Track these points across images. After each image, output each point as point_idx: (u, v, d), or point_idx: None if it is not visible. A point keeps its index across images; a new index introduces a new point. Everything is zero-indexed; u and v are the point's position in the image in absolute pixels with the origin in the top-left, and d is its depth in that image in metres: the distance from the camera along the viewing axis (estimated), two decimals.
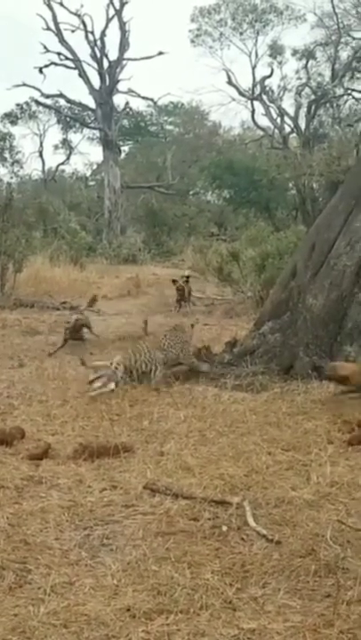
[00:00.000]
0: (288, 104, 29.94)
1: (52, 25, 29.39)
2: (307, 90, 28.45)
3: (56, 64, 29.89)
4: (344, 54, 28.03)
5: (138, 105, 41.23)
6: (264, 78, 28.49)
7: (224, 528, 4.16)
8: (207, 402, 6.92)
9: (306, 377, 7.74)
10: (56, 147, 39.74)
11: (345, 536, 4.04)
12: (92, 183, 39.46)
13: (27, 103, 34.91)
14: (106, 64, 29.64)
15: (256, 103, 28.93)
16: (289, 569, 3.64)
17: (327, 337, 8.31)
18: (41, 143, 39.33)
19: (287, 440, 5.85)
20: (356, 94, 28.57)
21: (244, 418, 6.41)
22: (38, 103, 33.58)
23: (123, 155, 35.25)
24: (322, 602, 3.33)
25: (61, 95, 31.26)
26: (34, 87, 30.33)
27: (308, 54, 27.90)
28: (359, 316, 8.39)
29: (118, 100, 32.08)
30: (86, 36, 29.59)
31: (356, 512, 4.47)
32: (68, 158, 39.69)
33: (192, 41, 30.35)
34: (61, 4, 29.29)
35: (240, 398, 7.10)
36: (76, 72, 29.84)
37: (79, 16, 29.46)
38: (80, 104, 32.48)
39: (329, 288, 8.37)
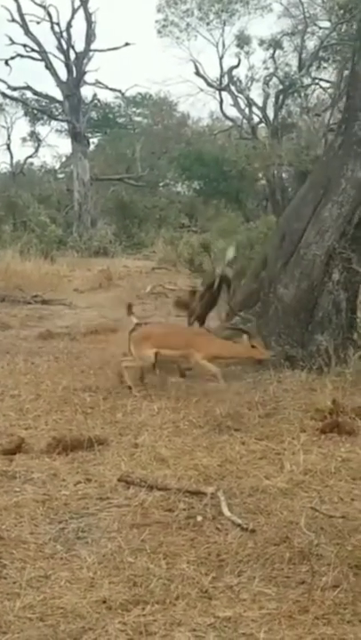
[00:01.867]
0: (256, 94, 29.96)
1: (16, 16, 29.05)
2: (274, 80, 28.45)
3: (22, 56, 29.55)
4: (311, 44, 28.11)
5: (106, 97, 41.06)
6: (231, 68, 28.43)
7: (199, 518, 4.18)
8: (180, 393, 6.93)
9: (278, 366, 7.77)
10: (24, 139, 39.41)
11: (319, 523, 4.08)
12: (61, 176, 39.20)
13: None
14: (72, 56, 29.42)
15: (224, 94, 28.90)
16: (264, 557, 3.67)
17: (298, 326, 8.35)
18: (8, 136, 39.02)
19: (260, 429, 5.88)
20: (323, 84, 28.68)
21: (217, 408, 6.43)
22: (5, 96, 33.21)
23: (92, 147, 35.03)
24: (296, 588, 3.36)
25: (28, 87, 30.95)
26: (0, 80, 30.03)
27: (274, 44, 27.88)
28: (330, 306, 8.44)
29: (86, 92, 31.89)
30: (52, 28, 29.32)
31: (329, 499, 4.52)
32: (36, 151, 39.41)
33: (159, 32, 30.21)
34: None
35: (213, 389, 7.12)
36: (43, 64, 29.59)
37: (44, 7, 29.19)
38: (47, 96, 32.21)
39: (299, 278, 8.41)
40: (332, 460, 5.17)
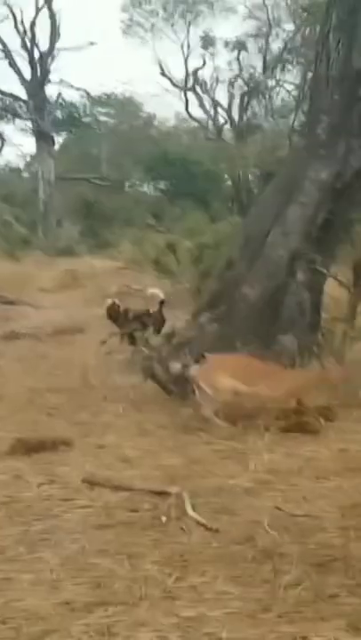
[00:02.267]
0: (221, 95, 30.08)
1: None
2: (239, 81, 28.62)
3: None
4: (275, 46, 28.31)
5: (71, 96, 40.86)
6: (196, 70, 28.57)
7: (163, 519, 4.18)
8: (145, 394, 6.92)
9: None
10: None
11: (282, 522, 4.10)
12: (25, 175, 38.97)
13: None
14: (37, 55, 29.28)
15: (189, 94, 29.01)
16: (227, 556, 3.68)
17: (263, 327, 8.38)
18: None
19: (225, 429, 5.90)
20: (287, 86, 28.87)
21: (183, 409, 6.44)
22: None
23: (57, 146, 34.85)
24: (260, 587, 3.38)
25: None
26: None
27: (239, 46, 28.05)
28: (294, 306, 8.50)
29: (51, 91, 31.76)
30: (16, 26, 29.20)
31: (293, 498, 4.54)
32: (0, 150, 39.13)
33: (124, 32, 30.22)
34: None
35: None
36: (7, 62, 29.43)
37: (8, 6, 29.03)
38: (11, 95, 32.02)
39: (264, 278, 8.44)
40: (296, 459, 5.21)
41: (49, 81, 30.04)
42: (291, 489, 4.69)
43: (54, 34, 29.32)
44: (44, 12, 29.14)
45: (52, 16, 29.07)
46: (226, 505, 4.40)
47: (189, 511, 4.24)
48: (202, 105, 28.77)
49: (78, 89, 32.45)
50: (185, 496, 4.42)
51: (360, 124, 8.31)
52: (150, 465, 5.09)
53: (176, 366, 6.83)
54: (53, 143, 32.13)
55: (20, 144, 42.71)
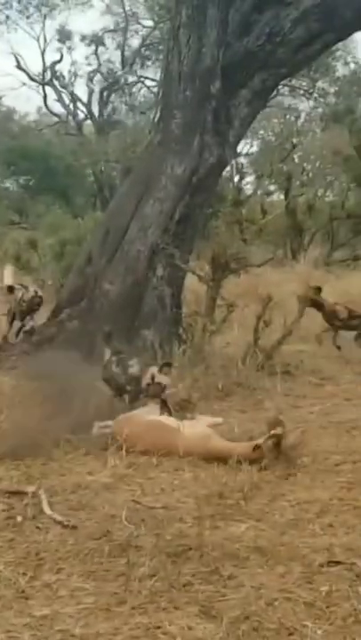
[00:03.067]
0: (81, 90, 29.87)
1: None
2: (98, 76, 28.54)
3: None
4: (135, 42, 28.41)
5: None
6: (54, 63, 28.22)
7: (19, 518, 4.12)
8: (2, 391, 6.79)
9: None
10: None
11: (140, 515, 4.13)
12: None
13: None
14: None
15: (48, 88, 28.62)
16: (83, 552, 3.67)
17: (125, 322, 8.43)
18: None
19: (86, 425, 5.86)
20: (148, 82, 29.02)
21: (42, 405, 6.35)
22: None
23: None
24: (115, 581, 3.39)
25: None
26: None
27: (97, 40, 27.96)
28: (154, 301, 8.59)
29: None
30: None
31: (151, 491, 4.59)
32: None
33: None
34: None
35: (38, 387, 7.01)
36: None
37: None
38: None
39: (124, 273, 8.49)
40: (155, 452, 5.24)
41: None
42: (149, 482, 4.74)
43: None
44: None
45: None
46: (84, 501, 4.39)
47: (46, 509, 4.21)
48: (60, 99, 28.47)
49: None
50: (42, 494, 4.38)
51: (213, 121, 8.50)
52: (7, 465, 5.01)
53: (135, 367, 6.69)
54: None
55: None
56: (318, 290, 8.82)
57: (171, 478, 4.82)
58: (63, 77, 28.46)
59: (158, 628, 3.01)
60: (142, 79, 28.99)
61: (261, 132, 27.39)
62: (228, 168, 10.20)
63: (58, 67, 28.57)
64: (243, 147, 26.28)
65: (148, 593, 3.26)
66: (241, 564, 3.55)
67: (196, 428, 5.44)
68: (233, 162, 10.19)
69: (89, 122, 28.98)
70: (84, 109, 28.89)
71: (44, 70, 28.54)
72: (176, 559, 3.59)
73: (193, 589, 3.32)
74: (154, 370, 6.20)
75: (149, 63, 27.81)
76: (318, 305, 8.78)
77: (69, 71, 29.06)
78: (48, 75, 28.33)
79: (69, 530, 3.96)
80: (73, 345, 8.42)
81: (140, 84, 29.54)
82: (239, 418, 6.22)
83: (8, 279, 9.72)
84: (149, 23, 27.54)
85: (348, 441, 5.58)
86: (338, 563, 3.54)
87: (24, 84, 30.11)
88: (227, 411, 6.56)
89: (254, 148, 28.27)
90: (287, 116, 27.23)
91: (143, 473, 4.91)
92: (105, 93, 28.11)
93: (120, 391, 6.35)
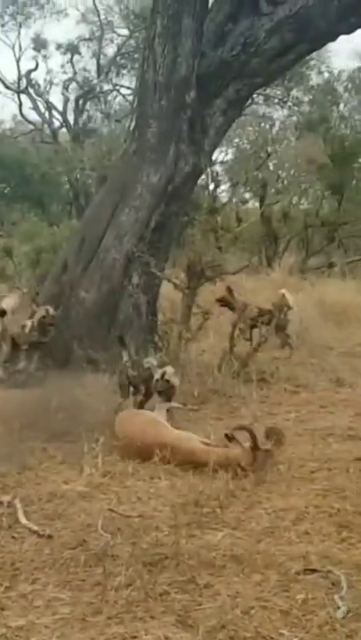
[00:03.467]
0: (56, 98, 29.79)
1: None
2: (74, 84, 28.49)
3: None
4: (110, 50, 28.40)
5: None
6: (29, 72, 28.11)
7: None
8: None
9: (81, 370, 7.78)
10: None
11: (116, 524, 4.13)
12: None
13: None
14: None
15: (23, 96, 28.48)
16: (59, 562, 3.66)
17: (100, 330, 8.43)
18: None
19: (61, 434, 5.85)
20: (123, 90, 29.02)
21: (18, 414, 6.32)
22: None
23: None
24: (91, 591, 3.38)
25: None
26: None
27: (72, 49, 27.91)
28: (130, 309, 8.59)
29: None
30: None
31: (127, 499, 4.59)
32: None
33: None
34: None
35: (12, 395, 6.99)
36: None
37: None
38: None
39: (100, 281, 8.49)
40: (129, 461, 5.23)
41: None
42: (125, 490, 4.73)
43: None
44: None
45: None
46: (60, 510, 4.38)
47: (22, 519, 4.19)
48: (36, 107, 28.36)
49: None
50: (17, 504, 4.36)
51: (189, 129, 8.53)
52: None
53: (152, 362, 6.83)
54: None
55: None
56: (230, 290, 8.86)
57: (147, 486, 4.82)
58: (38, 85, 28.38)
59: (135, 637, 3.01)
60: (118, 87, 28.97)
61: (236, 140, 27.46)
62: (203, 176, 10.24)
63: (33, 75, 28.47)
64: (218, 155, 26.34)
65: (124, 602, 3.25)
66: (217, 572, 3.56)
67: (182, 432, 5.54)
68: (208, 170, 10.21)
69: (64, 130, 28.88)
70: (60, 117, 28.82)
71: (20, 78, 28.42)
72: (152, 568, 3.59)
73: (169, 598, 3.32)
74: (169, 370, 6.32)
75: (125, 72, 27.81)
76: (230, 304, 8.86)
77: (45, 79, 28.97)
78: (23, 83, 28.20)
79: (45, 539, 3.95)
80: (49, 352, 8.41)
81: (115, 93, 29.55)
82: (215, 425, 6.22)
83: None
84: (125, 32, 27.58)
85: (323, 448, 5.61)
86: (314, 571, 3.56)
87: None
88: (203, 418, 6.57)
89: (229, 156, 28.34)
90: (262, 125, 27.33)
91: (119, 481, 4.90)
92: (80, 101, 28.05)
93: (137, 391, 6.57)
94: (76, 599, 3.30)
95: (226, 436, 5.09)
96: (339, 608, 3.19)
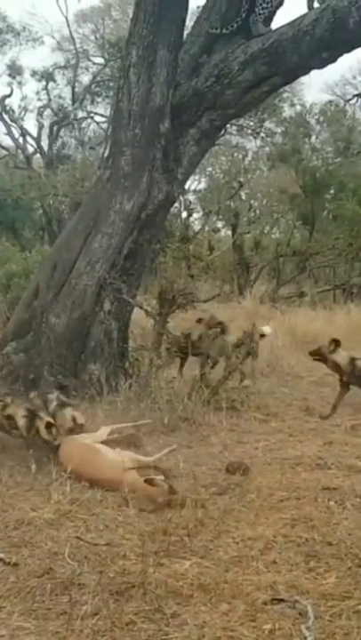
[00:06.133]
0: (30, 124, 29.91)
1: None
2: (48, 111, 28.61)
3: None
4: (85, 78, 28.58)
5: None
6: (4, 97, 28.18)
7: None
8: None
9: None
10: None
11: (83, 552, 4.09)
12: None
13: None
14: None
15: None
16: (25, 590, 3.62)
17: (71, 356, 8.41)
18: None
19: (29, 461, 5.80)
20: (98, 118, 29.18)
21: None
22: None
23: None
24: (56, 620, 3.35)
25: None
26: None
27: (47, 76, 28.09)
28: (101, 335, 8.58)
29: None
30: None
31: (95, 527, 4.55)
32: None
33: None
34: None
35: None
36: None
37: None
38: None
39: (71, 307, 8.47)
40: (98, 488, 5.20)
41: None
42: (93, 518, 4.70)
43: None
44: None
45: None
46: (26, 538, 4.34)
47: None
48: (10, 133, 28.42)
49: None
50: None
51: (162, 158, 8.59)
52: None
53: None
54: None
55: None
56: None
57: (115, 514, 4.79)
58: (13, 111, 28.45)
59: None
60: (92, 115, 29.15)
61: (209, 169, 27.72)
62: (176, 204, 10.32)
63: (8, 101, 28.58)
64: (191, 183, 26.56)
65: (90, 632, 3.22)
66: (184, 601, 3.54)
67: (121, 458, 5.50)
68: (181, 198, 10.30)
69: (38, 156, 28.97)
70: (34, 143, 28.91)
71: None
72: (119, 597, 3.56)
73: (136, 628, 3.30)
74: (73, 413, 6.45)
75: (99, 99, 28.00)
76: None
77: (19, 105, 29.08)
78: None
79: (11, 567, 3.91)
80: (18, 378, 8.37)
81: (89, 120, 29.73)
82: (185, 453, 6.22)
83: None
84: (100, 60, 27.83)
85: (292, 477, 5.62)
86: (281, 600, 3.55)
87: None
88: (171, 445, 6.55)
89: (202, 185, 28.58)
90: (235, 155, 27.61)
91: (87, 509, 4.86)
92: (55, 128, 28.16)
93: None
94: (42, 628, 3.27)
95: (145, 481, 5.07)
96: (306, 638, 3.19)
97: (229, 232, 24.83)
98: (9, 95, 28.28)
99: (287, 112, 26.19)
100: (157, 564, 3.96)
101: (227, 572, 3.87)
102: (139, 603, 3.51)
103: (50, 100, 28.70)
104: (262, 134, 26.15)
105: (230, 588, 3.66)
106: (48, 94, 28.67)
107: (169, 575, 3.80)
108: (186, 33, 8.95)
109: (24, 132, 28.80)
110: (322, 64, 8.40)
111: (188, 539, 4.31)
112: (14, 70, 28.38)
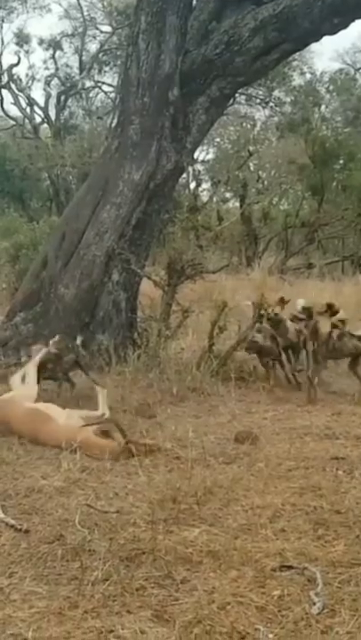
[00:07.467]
0: (38, 94, 29.71)
1: None
2: (56, 80, 28.38)
3: None
4: (93, 47, 28.31)
5: None
6: (11, 66, 27.92)
7: None
8: None
9: None
10: None
11: (93, 519, 4.12)
12: None
13: None
14: None
15: (5, 92, 28.33)
16: (36, 556, 3.65)
17: (79, 326, 8.41)
18: None
19: None
20: (105, 87, 28.95)
21: None
22: None
23: None
24: (67, 585, 3.38)
25: None
26: None
27: (54, 44, 27.82)
28: (110, 306, 8.59)
29: None
30: None
31: (104, 495, 4.58)
32: None
33: None
34: None
35: None
36: None
37: None
38: None
39: (80, 278, 8.47)
40: (107, 457, 5.23)
41: None
42: (103, 486, 4.73)
43: None
44: None
45: None
46: (37, 505, 4.37)
47: None
48: (17, 102, 28.20)
49: None
50: None
51: (171, 127, 8.53)
52: None
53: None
54: None
55: None
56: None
57: (124, 482, 4.82)
58: (20, 81, 28.19)
59: (111, 631, 3.01)
60: (100, 84, 28.94)
61: (218, 139, 27.53)
62: (184, 175, 10.26)
63: (15, 70, 28.35)
64: (199, 154, 26.40)
65: (100, 597, 3.25)
66: (194, 568, 3.57)
67: (72, 420, 5.63)
68: (190, 168, 10.23)
69: (46, 126, 28.79)
70: (41, 113, 28.70)
71: (1, 73, 28.20)
72: (129, 563, 3.59)
73: (146, 593, 3.33)
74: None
75: (107, 68, 27.73)
76: None
77: (27, 75, 28.81)
78: (5, 78, 28.03)
79: (22, 534, 3.94)
80: (27, 348, 8.39)
81: (97, 90, 29.51)
82: (193, 423, 6.24)
83: None
84: (107, 29, 27.54)
85: (300, 447, 5.64)
86: (290, 567, 3.57)
87: None
88: (181, 416, 6.58)
89: (211, 156, 28.42)
90: (244, 125, 27.40)
91: (97, 477, 4.89)
92: (62, 98, 27.93)
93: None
94: (53, 593, 3.30)
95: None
96: (314, 604, 3.21)
97: (238, 203, 24.72)
98: (16, 64, 28.04)
99: (296, 81, 25.92)
100: (167, 531, 3.98)
101: (236, 540, 3.89)
102: (149, 569, 3.54)
103: (57, 68, 28.48)
104: (271, 104, 25.91)
105: (239, 554, 3.69)
106: (55, 63, 28.44)
107: (178, 542, 3.82)
108: None
109: (31, 102, 28.58)
110: (333, 30, 8.31)
111: (197, 506, 4.34)
112: (21, 39, 28.11)
